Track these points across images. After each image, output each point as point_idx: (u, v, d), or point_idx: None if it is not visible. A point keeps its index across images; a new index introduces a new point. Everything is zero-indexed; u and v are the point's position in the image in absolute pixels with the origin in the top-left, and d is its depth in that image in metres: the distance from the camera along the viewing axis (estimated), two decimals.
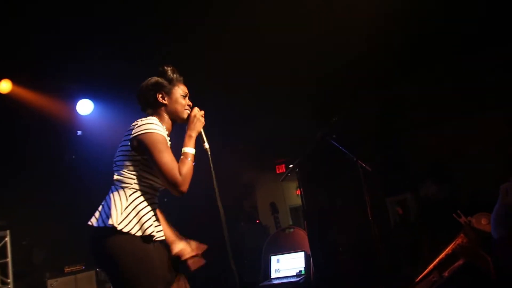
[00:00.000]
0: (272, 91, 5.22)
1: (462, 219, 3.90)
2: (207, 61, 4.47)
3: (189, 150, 2.09)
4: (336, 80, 5.25)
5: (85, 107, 4.89)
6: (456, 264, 3.63)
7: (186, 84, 2.31)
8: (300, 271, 4.22)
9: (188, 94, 2.26)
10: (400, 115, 5.56)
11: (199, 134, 2.19)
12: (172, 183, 1.96)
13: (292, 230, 4.59)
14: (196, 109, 2.22)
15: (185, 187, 1.98)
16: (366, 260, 4.60)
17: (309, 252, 4.26)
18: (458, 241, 3.73)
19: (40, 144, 4.90)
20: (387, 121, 5.61)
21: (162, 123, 2.13)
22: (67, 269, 4.67)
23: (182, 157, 2.06)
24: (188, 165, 2.02)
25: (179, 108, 2.19)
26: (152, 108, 2.19)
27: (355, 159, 3.89)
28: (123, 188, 2.03)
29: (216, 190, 2.16)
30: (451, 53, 5.15)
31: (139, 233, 1.95)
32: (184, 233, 2.31)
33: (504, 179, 3.34)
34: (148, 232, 1.96)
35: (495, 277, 3.32)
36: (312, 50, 4.57)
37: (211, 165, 2.21)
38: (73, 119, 4.93)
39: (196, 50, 4.33)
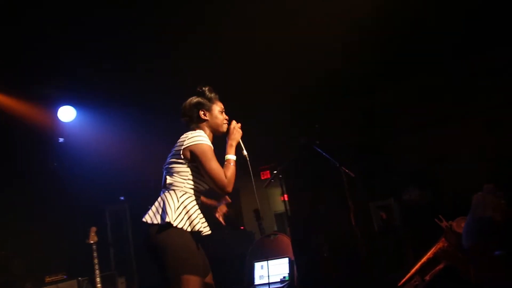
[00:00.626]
0: (257, 97, 5.27)
1: (444, 223, 3.97)
2: (191, 69, 4.50)
3: (231, 157, 2.48)
4: (320, 87, 5.33)
5: (67, 114, 4.87)
6: (437, 268, 3.69)
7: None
8: (284, 277, 4.24)
9: (224, 110, 2.63)
10: (384, 121, 5.67)
11: (238, 143, 2.56)
12: (219, 186, 2.36)
13: (276, 236, 4.62)
14: (234, 122, 2.60)
15: (230, 188, 2.39)
16: (350, 265, 4.62)
17: (293, 258, 4.30)
18: (439, 245, 3.79)
19: (21, 152, 4.86)
20: (370, 127, 5.71)
21: None
22: (48, 279, 4.62)
23: (225, 163, 2.45)
24: (231, 169, 2.42)
25: (218, 122, 2.57)
26: (196, 123, 2.57)
27: (338, 165, 3.95)
28: (174, 190, 2.42)
29: (255, 193, 2.63)
30: (432, 61, 5.28)
31: (189, 229, 2.33)
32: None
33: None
34: (196, 228, 2.34)
35: (475, 280, 3.39)
36: (295, 57, 4.64)
37: (250, 169, 2.60)
38: (55, 126, 4.89)
39: (179, 58, 4.36)
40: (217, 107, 2.60)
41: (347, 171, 3.94)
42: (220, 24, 4.01)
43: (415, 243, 4.72)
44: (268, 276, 4.34)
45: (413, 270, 3.83)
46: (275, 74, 4.87)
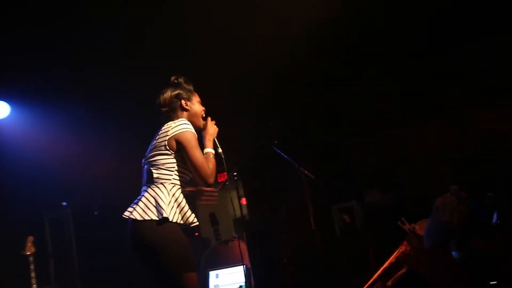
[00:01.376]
0: (210, 95, 5.10)
1: (406, 226, 3.98)
2: (137, 63, 4.31)
3: (211, 150, 2.57)
4: (277, 84, 5.22)
5: None
6: (399, 272, 3.68)
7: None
8: (241, 286, 4.14)
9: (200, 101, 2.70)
10: (345, 121, 5.63)
11: (214, 140, 2.64)
12: (203, 175, 2.40)
13: (231, 242, 4.50)
14: (209, 118, 2.68)
15: (212, 179, 2.44)
16: (311, 272, 4.58)
17: (250, 266, 4.19)
18: (401, 249, 3.77)
19: None
20: (331, 127, 5.65)
21: None
22: None
23: (205, 155, 2.50)
24: (212, 162, 2.50)
25: (198, 112, 2.65)
26: (177, 114, 2.60)
27: (297, 166, 3.86)
28: (163, 184, 2.41)
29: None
30: (395, 59, 5.25)
31: (182, 222, 2.40)
32: None
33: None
34: (190, 220, 2.42)
35: (436, 282, 3.39)
36: (251, 52, 4.50)
37: (225, 167, 2.72)
38: None
39: (124, 50, 4.15)
40: (196, 98, 2.68)
41: (306, 172, 3.87)
42: (173, 16, 3.85)
43: (377, 247, 4.69)
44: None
45: (375, 276, 3.78)
46: (230, 68, 4.69)
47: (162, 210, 2.30)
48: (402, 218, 4.00)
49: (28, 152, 4.69)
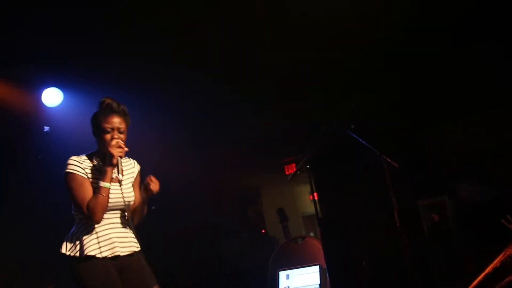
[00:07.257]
0: (278, 77, 5.14)
1: None
2: (192, 47, 4.41)
3: (102, 183, 2.54)
4: (352, 63, 5.19)
5: (52, 97, 4.80)
6: (506, 279, 3.56)
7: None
8: None
9: (115, 127, 2.63)
10: (434, 100, 5.44)
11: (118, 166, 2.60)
12: (84, 215, 2.54)
13: (303, 240, 4.53)
14: (113, 142, 2.59)
15: (95, 217, 2.52)
16: (395, 277, 4.51)
17: (325, 266, 4.19)
18: (508, 251, 3.65)
19: None
20: (415, 110, 5.50)
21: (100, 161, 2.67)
22: None
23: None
24: (96, 200, 2.51)
25: (101, 147, 2.65)
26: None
27: (378, 154, 3.81)
28: (74, 215, 2.65)
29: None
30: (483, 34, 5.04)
31: (78, 254, 2.51)
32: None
33: None
34: (85, 253, 2.48)
35: None
36: (322, 28, 4.48)
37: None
38: (39, 112, 4.84)
39: (178, 35, 4.28)
40: (103, 126, 2.64)
41: (389, 161, 3.78)
42: None
43: (475, 250, 4.58)
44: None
45: (474, 283, 3.68)
46: (300, 44, 4.73)
47: (62, 244, 2.59)
48: (508, 216, 3.87)
49: (85, 142, 4.87)
